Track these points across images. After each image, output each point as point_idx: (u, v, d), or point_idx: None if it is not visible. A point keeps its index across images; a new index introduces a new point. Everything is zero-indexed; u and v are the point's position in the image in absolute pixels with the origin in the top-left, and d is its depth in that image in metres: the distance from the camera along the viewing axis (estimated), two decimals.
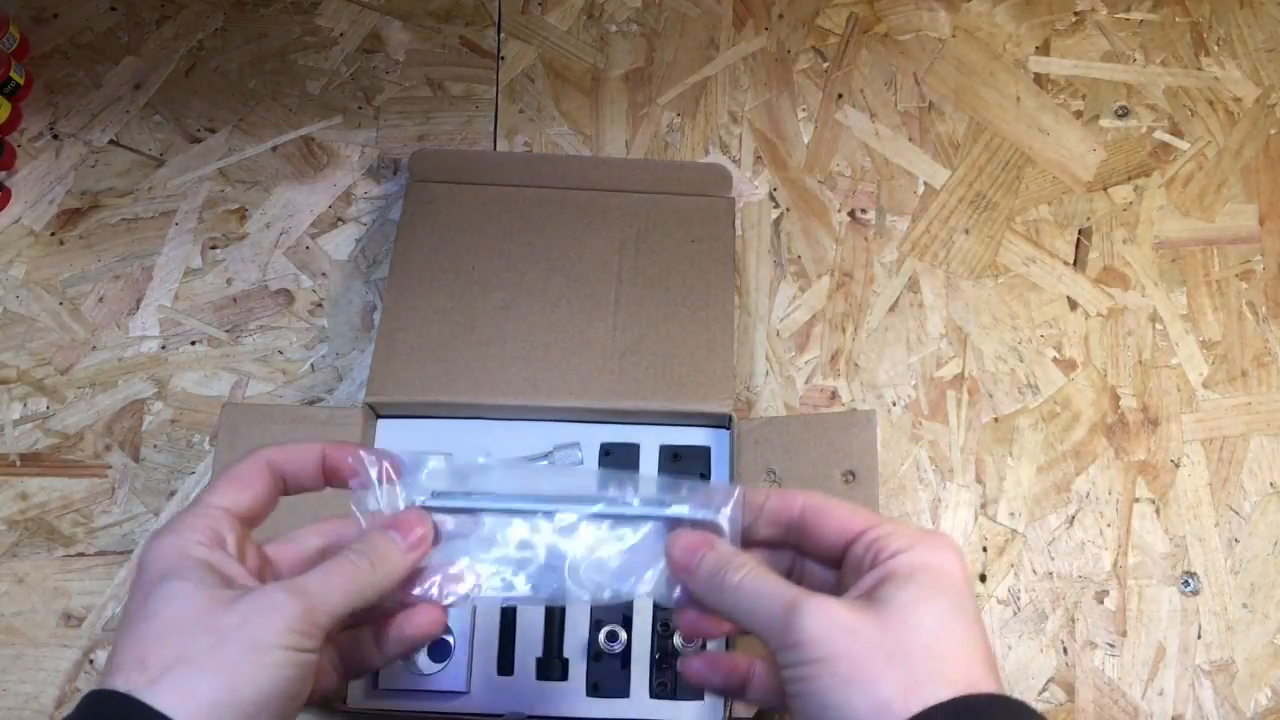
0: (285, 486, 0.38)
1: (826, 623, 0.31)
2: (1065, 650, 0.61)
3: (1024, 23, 0.78)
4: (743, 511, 0.37)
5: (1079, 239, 0.71)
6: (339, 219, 0.71)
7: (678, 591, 0.37)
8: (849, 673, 0.30)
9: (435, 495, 0.38)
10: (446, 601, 0.38)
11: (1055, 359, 0.68)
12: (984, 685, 0.31)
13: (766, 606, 0.33)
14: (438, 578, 0.38)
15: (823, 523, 0.36)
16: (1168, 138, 0.74)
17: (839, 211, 0.72)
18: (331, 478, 0.38)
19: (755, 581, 0.34)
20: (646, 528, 0.38)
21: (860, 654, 0.31)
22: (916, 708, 0.30)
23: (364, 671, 0.40)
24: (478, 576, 0.38)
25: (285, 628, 0.32)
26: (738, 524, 0.37)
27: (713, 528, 0.37)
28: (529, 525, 0.38)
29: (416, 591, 0.38)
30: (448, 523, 0.38)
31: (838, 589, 0.36)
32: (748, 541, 0.38)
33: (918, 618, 0.31)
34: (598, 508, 0.38)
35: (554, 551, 0.38)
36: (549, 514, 0.38)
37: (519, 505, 0.38)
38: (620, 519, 0.38)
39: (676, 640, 0.55)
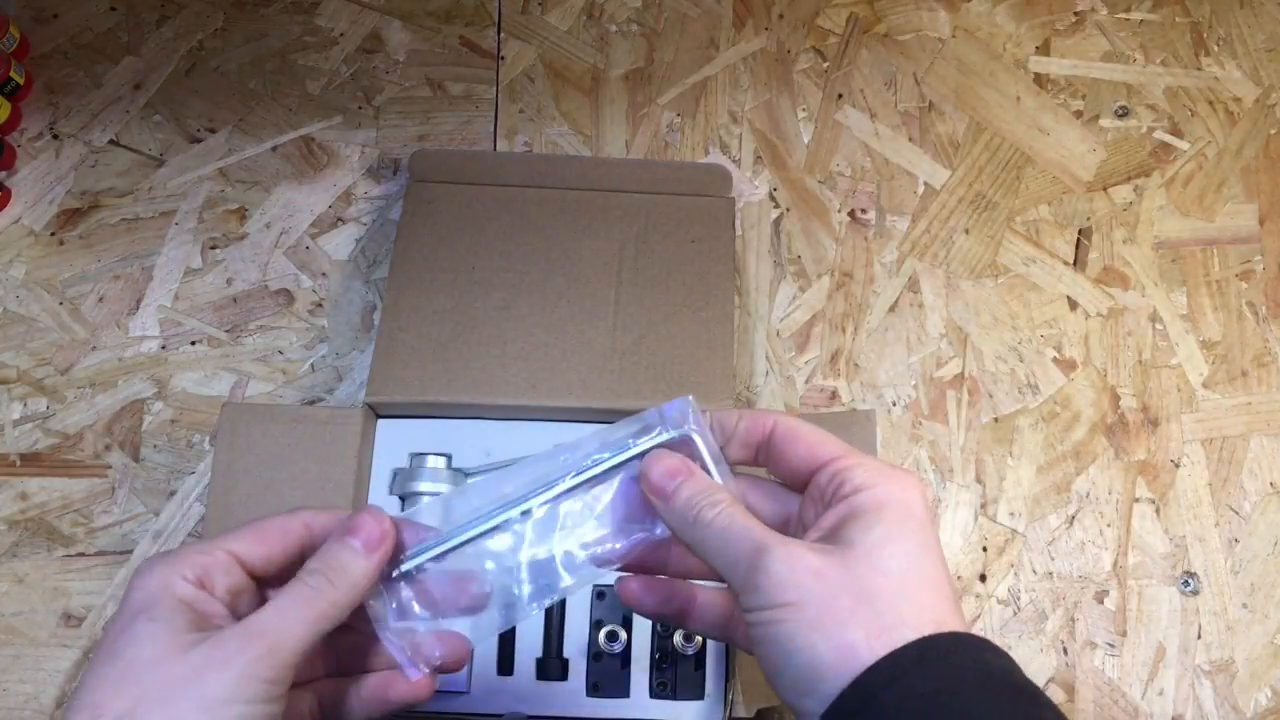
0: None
1: (793, 567, 0.31)
2: (1065, 650, 0.61)
3: (1024, 23, 0.78)
4: (714, 431, 0.37)
5: (1079, 239, 0.71)
6: (339, 219, 0.71)
7: (659, 528, 0.36)
8: (815, 617, 0.30)
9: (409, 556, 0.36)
10: (436, 664, 0.36)
11: (1055, 359, 0.68)
12: (948, 624, 0.31)
13: (735, 548, 0.33)
14: (433, 640, 0.36)
15: (791, 447, 0.36)
16: (1168, 138, 0.74)
17: (839, 211, 0.72)
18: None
19: (728, 520, 0.33)
20: (618, 478, 0.37)
21: (827, 598, 0.30)
22: (882, 650, 0.29)
23: None
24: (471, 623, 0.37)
25: (240, 679, 0.30)
26: (707, 436, 0.36)
27: (686, 446, 0.36)
28: (509, 537, 0.36)
29: (416, 672, 0.36)
30: (429, 575, 0.36)
31: (799, 515, 0.36)
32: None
33: (884, 560, 0.31)
34: (567, 483, 0.36)
35: (538, 554, 0.37)
36: (525, 514, 0.36)
37: (492, 521, 0.36)
38: (593, 481, 0.37)
39: (677, 640, 0.55)
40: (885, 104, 0.75)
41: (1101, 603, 0.62)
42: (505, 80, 0.75)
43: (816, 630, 0.30)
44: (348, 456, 0.56)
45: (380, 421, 0.60)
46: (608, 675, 0.55)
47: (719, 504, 0.34)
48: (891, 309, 0.69)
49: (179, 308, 0.68)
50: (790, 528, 0.37)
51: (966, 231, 0.71)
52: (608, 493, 0.37)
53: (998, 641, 0.60)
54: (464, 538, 0.36)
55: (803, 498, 0.36)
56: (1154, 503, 0.64)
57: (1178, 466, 0.65)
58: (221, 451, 0.55)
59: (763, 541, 0.32)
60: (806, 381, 0.67)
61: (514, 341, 0.60)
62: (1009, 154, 0.74)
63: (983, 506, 0.64)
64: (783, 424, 0.36)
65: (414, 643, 0.36)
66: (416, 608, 0.36)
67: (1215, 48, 0.77)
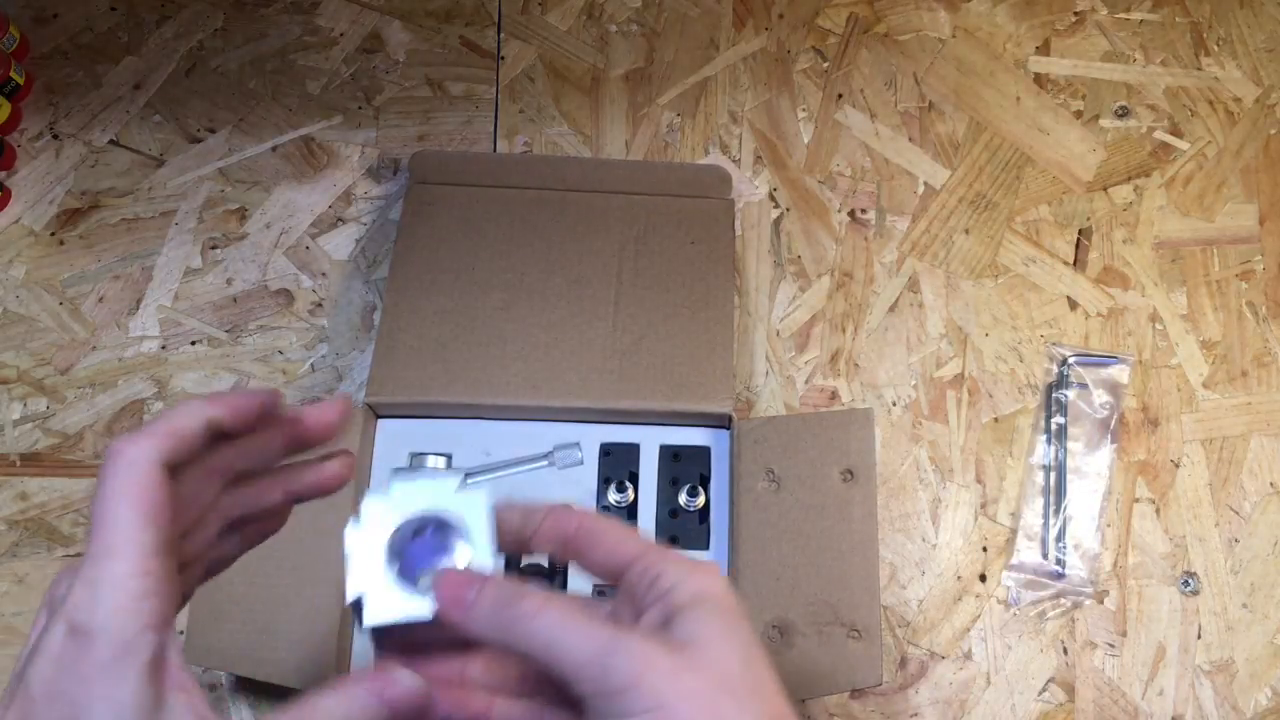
0: None
1: (651, 668, 0.30)
2: (1065, 650, 0.61)
3: (1024, 23, 0.78)
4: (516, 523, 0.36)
5: (1079, 239, 0.71)
6: (339, 219, 0.71)
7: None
8: (685, 718, 0.30)
9: None
10: None
11: None
12: (790, 713, 0.32)
13: (577, 645, 0.31)
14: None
15: (595, 546, 0.35)
16: (1168, 138, 0.74)
17: (839, 211, 0.72)
18: None
19: (559, 615, 0.32)
20: None
21: (690, 698, 0.30)
22: None
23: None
24: None
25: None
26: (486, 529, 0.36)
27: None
28: None
29: None
30: None
31: (614, 613, 0.36)
32: (525, 551, 0.37)
33: (726, 656, 0.31)
34: None
35: None
36: None
37: None
38: None
39: None
40: (885, 104, 0.75)
41: (1101, 603, 0.62)
42: (505, 80, 0.75)
43: None
44: None
45: (380, 421, 0.60)
46: None
47: (537, 597, 0.33)
48: (891, 309, 0.69)
49: (179, 308, 0.68)
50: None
51: (966, 231, 0.71)
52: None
53: (998, 641, 0.60)
54: None
55: (616, 595, 0.36)
56: (1154, 503, 0.64)
57: (1178, 466, 0.65)
58: None
59: (612, 640, 0.31)
60: (806, 381, 0.67)
61: (514, 342, 0.60)
62: (1009, 154, 0.74)
63: (983, 506, 0.64)
64: (585, 523, 0.36)
65: None
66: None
67: (1215, 48, 0.77)
